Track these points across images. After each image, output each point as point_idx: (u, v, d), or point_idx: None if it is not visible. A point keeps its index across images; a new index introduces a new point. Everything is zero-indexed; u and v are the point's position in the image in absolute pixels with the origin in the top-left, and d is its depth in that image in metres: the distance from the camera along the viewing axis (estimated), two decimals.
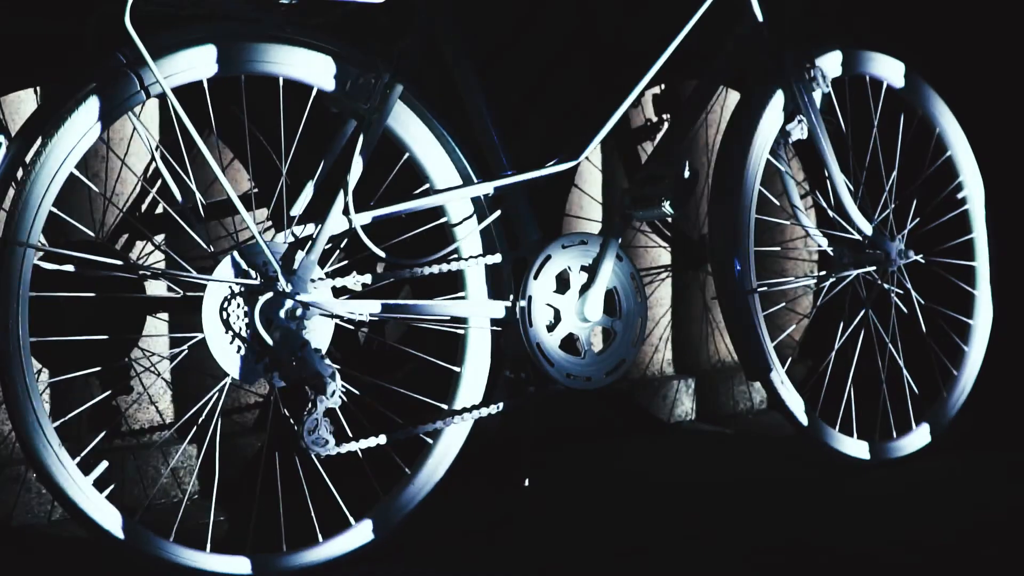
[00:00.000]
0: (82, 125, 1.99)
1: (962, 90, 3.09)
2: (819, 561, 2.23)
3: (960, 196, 3.01)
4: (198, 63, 2.07)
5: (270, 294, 2.09)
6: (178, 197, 2.14)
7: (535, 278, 2.34)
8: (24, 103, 2.39)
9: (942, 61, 3.15)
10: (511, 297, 2.34)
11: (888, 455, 2.83)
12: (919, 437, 2.89)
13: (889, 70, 2.88)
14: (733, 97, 3.22)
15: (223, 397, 2.17)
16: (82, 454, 2.23)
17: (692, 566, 2.21)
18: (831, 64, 2.77)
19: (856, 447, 2.79)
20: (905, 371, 2.89)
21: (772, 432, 3.13)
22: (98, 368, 2.42)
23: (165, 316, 2.52)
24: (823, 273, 2.84)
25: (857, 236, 2.78)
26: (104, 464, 2.07)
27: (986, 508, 2.53)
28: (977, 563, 2.21)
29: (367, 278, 2.23)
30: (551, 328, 2.36)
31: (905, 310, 2.89)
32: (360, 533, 2.24)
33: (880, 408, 2.85)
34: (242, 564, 2.12)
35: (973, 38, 3.58)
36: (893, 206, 2.89)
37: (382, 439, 2.22)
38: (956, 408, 2.96)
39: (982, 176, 3.03)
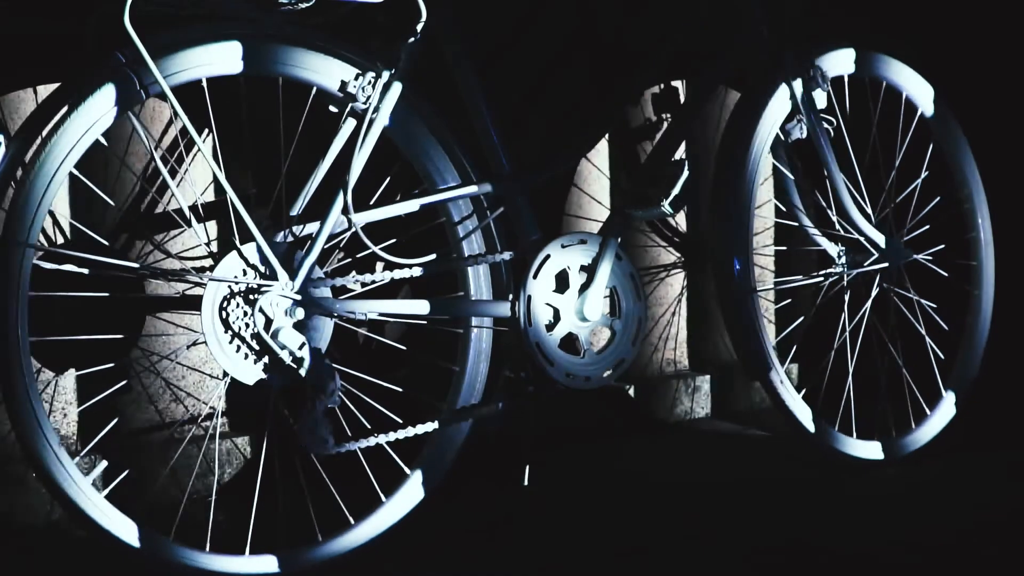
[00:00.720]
0: (81, 125, 1.99)
1: (963, 89, 3.09)
2: (819, 561, 2.23)
3: (959, 195, 3.02)
4: (197, 63, 2.07)
5: (269, 294, 2.09)
6: (177, 196, 2.14)
7: (534, 277, 2.34)
8: (23, 103, 2.39)
9: (943, 59, 3.15)
10: (510, 297, 2.34)
11: (888, 454, 2.82)
12: (919, 435, 2.89)
13: (898, 74, 2.89)
14: (733, 97, 3.22)
15: (222, 397, 2.17)
16: (81, 454, 2.23)
17: (692, 566, 2.21)
18: (832, 63, 2.77)
19: (856, 447, 2.78)
20: (904, 370, 2.89)
21: (771, 432, 3.14)
22: (97, 368, 2.42)
23: (165, 316, 2.52)
24: (823, 273, 2.84)
25: (856, 235, 2.78)
26: (103, 464, 2.07)
27: (986, 508, 2.53)
28: (977, 563, 2.21)
29: (366, 277, 2.23)
30: (550, 327, 2.36)
31: (904, 309, 2.89)
32: (361, 533, 2.24)
33: (879, 407, 2.85)
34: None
35: (974, 37, 3.58)
36: (892, 205, 2.89)
37: (382, 439, 2.22)
38: (955, 407, 2.96)
39: (983, 177, 3.03)
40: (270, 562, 2.14)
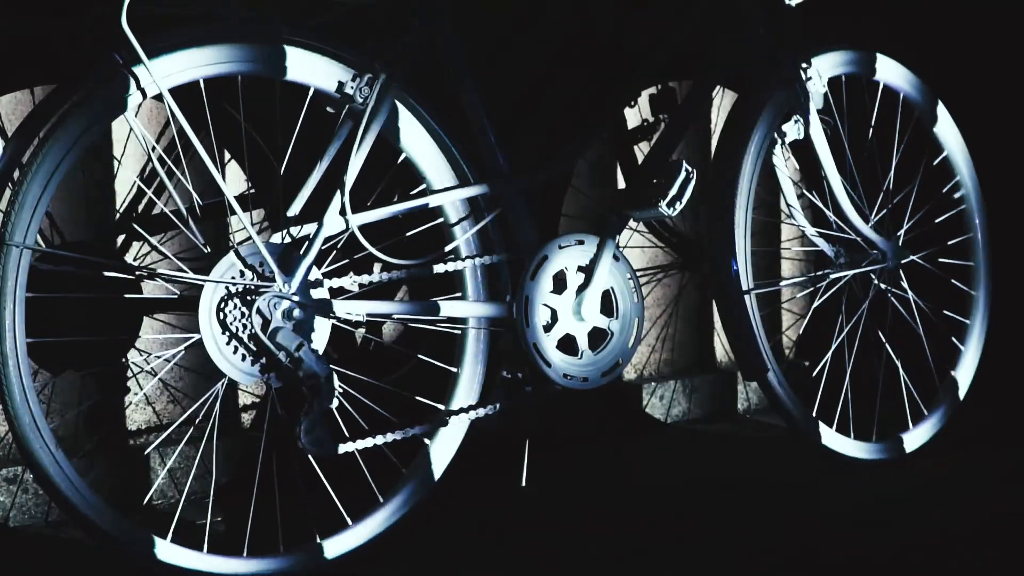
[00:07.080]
0: (78, 126, 1.98)
1: (961, 89, 3.09)
2: (819, 561, 2.23)
3: (957, 196, 3.02)
4: (195, 63, 2.06)
5: (267, 295, 2.09)
6: (175, 197, 2.14)
7: (532, 278, 2.34)
8: (20, 103, 2.39)
9: (941, 60, 3.16)
10: (508, 297, 2.34)
11: (886, 455, 2.83)
12: (917, 436, 2.89)
13: (895, 75, 2.89)
14: (730, 97, 3.23)
15: (220, 398, 2.17)
16: (79, 455, 2.23)
17: (692, 567, 2.21)
18: (829, 64, 2.78)
19: (853, 447, 2.79)
20: (902, 371, 2.90)
21: (769, 432, 3.14)
22: (95, 369, 2.42)
23: (162, 317, 2.52)
24: (820, 273, 2.84)
25: (854, 236, 2.78)
26: (101, 465, 2.07)
27: (985, 508, 2.53)
28: (977, 563, 2.21)
29: (364, 278, 2.23)
30: (548, 328, 2.36)
31: (902, 310, 2.89)
32: (358, 534, 2.24)
33: (876, 408, 2.85)
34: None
35: (972, 37, 3.58)
36: (890, 206, 2.89)
37: (379, 440, 2.22)
38: (953, 407, 2.96)
39: (981, 177, 3.03)
40: (268, 563, 2.14)
